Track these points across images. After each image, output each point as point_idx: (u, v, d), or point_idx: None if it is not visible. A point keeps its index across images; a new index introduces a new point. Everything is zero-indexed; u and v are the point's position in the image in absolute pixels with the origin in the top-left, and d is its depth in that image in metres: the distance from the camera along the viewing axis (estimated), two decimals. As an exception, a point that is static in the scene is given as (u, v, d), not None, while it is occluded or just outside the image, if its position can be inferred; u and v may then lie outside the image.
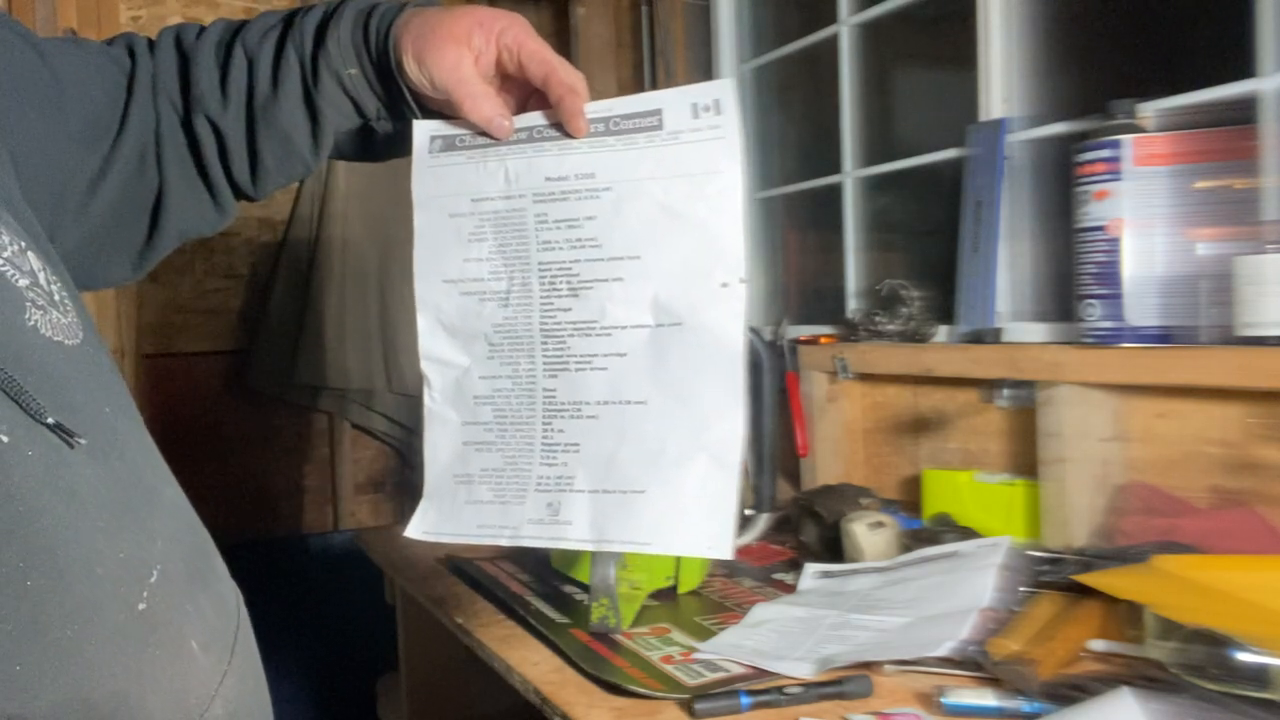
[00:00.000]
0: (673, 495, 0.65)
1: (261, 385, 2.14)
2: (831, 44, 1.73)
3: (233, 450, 2.15)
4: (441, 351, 0.74)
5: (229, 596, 0.51)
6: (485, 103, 0.67)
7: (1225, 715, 0.71)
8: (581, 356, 0.68)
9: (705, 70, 2.02)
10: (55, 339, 0.43)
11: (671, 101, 0.66)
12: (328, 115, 0.67)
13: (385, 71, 0.67)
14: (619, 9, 2.19)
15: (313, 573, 2.15)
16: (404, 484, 2.30)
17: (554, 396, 0.69)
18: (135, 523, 0.43)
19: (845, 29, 1.70)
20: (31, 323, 0.42)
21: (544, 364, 0.69)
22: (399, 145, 0.72)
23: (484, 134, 0.69)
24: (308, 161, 0.70)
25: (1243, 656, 0.74)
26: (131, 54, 0.67)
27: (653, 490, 0.65)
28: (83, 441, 0.41)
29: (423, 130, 0.71)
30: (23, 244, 0.45)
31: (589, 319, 0.68)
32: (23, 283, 0.43)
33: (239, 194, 0.71)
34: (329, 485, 2.25)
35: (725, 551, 0.63)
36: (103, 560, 0.40)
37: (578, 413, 0.68)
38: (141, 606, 0.41)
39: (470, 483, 0.72)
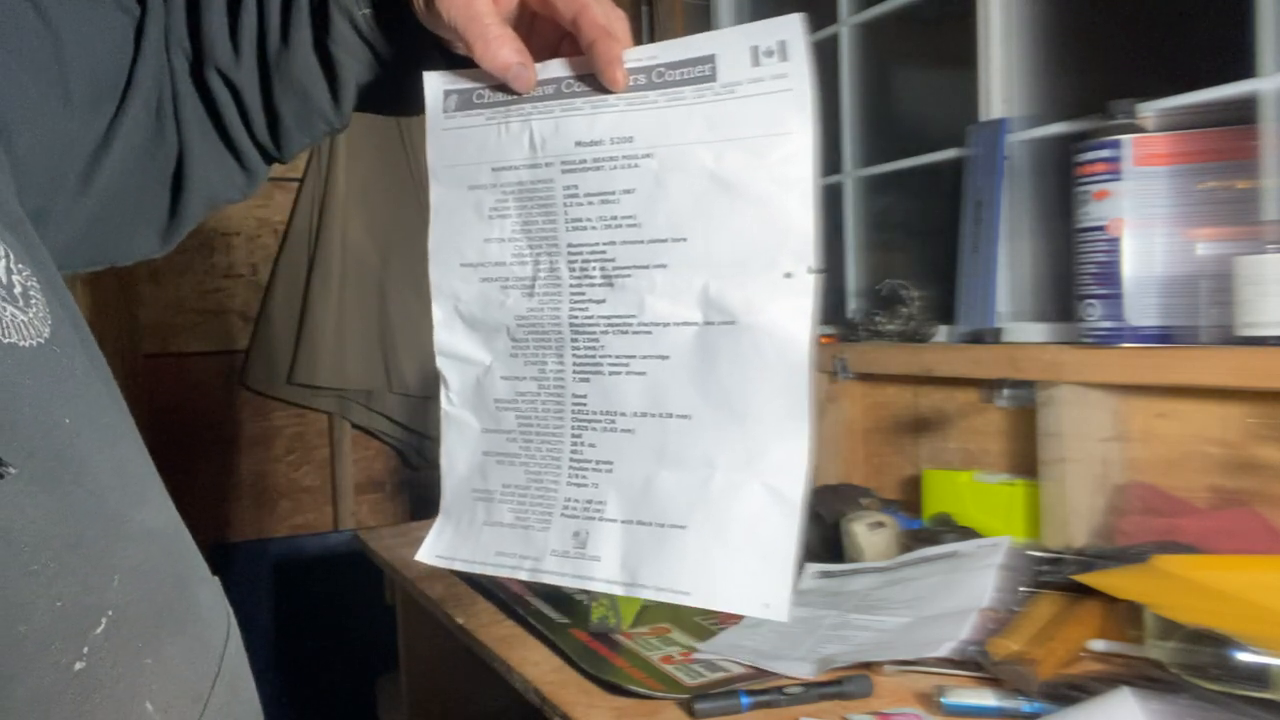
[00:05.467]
0: (720, 534, 0.55)
1: (261, 385, 2.14)
2: (831, 44, 1.73)
3: (233, 450, 2.15)
4: (459, 346, 0.63)
5: (212, 636, 0.44)
6: (502, 46, 0.55)
7: (1225, 715, 0.71)
8: (616, 358, 0.58)
9: (705, 70, 2.02)
10: (5, 341, 0.38)
11: (727, 45, 0.54)
12: (345, 65, 0.58)
13: (401, 12, 0.58)
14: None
15: (313, 573, 2.15)
16: (405, 484, 2.30)
17: (584, 404, 0.59)
18: (87, 560, 0.37)
19: (845, 29, 1.70)
20: None
21: (574, 365, 0.59)
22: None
23: (504, 87, 0.58)
24: (330, 119, 0.61)
25: (1243, 656, 0.74)
26: (142, 1, 0.58)
27: (696, 526, 0.55)
28: (13, 470, 0.35)
29: (434, 83, 0.61)
30: None
31: (626, 313, 0.57)
32: None
33: (266, 156, 0.63)
34: (329, 485, 2.25)
35: (782, 613, 0.53)
36: (30, 613, 0.34)
37: (611, 425, 0.58)
38: (79, 665, 0.35)
39: (490, 500, 0.63)
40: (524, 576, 0.60)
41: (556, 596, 1.12)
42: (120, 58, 0.57)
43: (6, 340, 0.38)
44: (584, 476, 0.60)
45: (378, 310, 2.14)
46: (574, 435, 0.60)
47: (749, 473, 0.55)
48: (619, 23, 0.55)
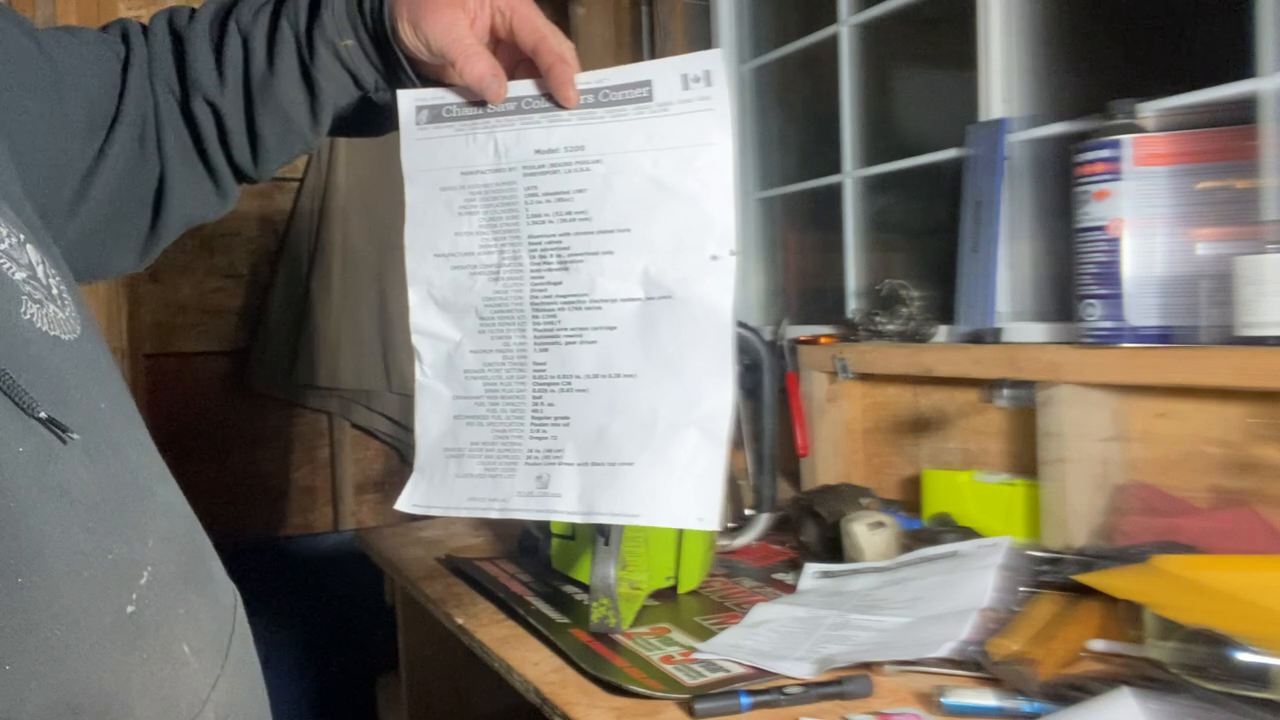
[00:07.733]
0: (662, 467, 0.65)
1: (262, 385, 2.14)
2: (831, 44, 1.73)
3: (233, 450, 2.15)
4: (432, 325, 0.73)
5: (224, 599, 0.50)
6: (480, 62, 0.65)
7: (1225, 715, 0.71)
8: (572, 330, 0.68)
9: (705, 70, 2.01)
10: (52, 333, 0.43)
11: (661, 73, 0.65)
12: (326, 90, 0.66)
13: (381, 41, 0.66)
14: (619, 9, 2.19)
15: (313, 573, 2.15)
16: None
17: (544, 370, 0.69)
18: (127, 522, 0.42)
19: (845, 29, 1.70)
20: (28, 317, 0.42)
21: (534, 337, 0.70)
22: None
23: (473, 103, 0.68)
24: (308, 139, 0.69)
25: (1243, 656, 0.74)
26: (125, 39, 0.66)
27: (642, 462, 0.65)
28: (75, 437, 0.40)
29: (407, 100, 0.70)
30: (21, 237, 0.45)
31: (579, 292, 0.68)
32: (19, 276, 0.43)
33: (240, 176, 0.70)
34: (329, 485, 2.25)
35: (713, 524, 0.64)
36: (89, 562, 0.39)
37: (568, 386, 0.69)
38: (130, 609, 0.40)
39: (461, 456, 0.72)
40: (494, 515, 0.70)
41: (556, 596, 1.12)
42: (110, 90, 0.63)
43: (53, 334, 0.43)
44: (544, 430, 0.69)
45: (377, 310, 2.14)
46: (535, 396, 0.70)
47: (686, 417, 0.65)
48: (570, 52, 0.66)
